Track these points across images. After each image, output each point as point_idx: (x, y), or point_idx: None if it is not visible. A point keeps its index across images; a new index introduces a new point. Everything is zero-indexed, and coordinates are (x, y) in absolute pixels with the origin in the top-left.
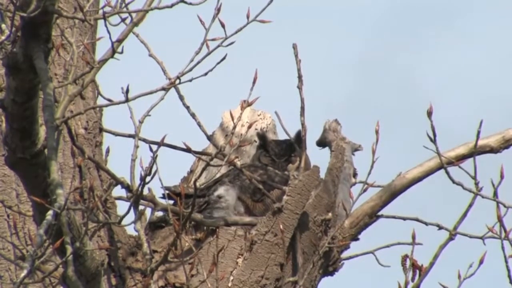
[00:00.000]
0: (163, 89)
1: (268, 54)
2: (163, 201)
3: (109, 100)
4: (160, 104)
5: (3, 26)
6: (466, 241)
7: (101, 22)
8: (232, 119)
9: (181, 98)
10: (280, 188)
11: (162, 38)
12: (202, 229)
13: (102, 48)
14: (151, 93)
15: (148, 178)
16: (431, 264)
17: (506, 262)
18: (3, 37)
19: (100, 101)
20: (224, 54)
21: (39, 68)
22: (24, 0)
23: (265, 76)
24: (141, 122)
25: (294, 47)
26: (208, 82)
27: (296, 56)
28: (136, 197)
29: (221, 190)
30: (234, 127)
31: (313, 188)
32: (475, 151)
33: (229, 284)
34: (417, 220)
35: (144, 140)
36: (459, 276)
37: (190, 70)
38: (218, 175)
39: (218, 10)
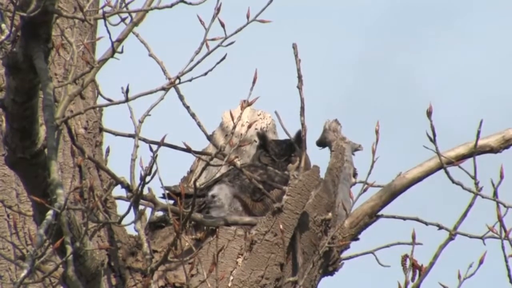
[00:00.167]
0: (163, 89)
1: (268, 54)
2: (163, 201)
3: (109, 100)
4: (160, 104)
5: (3, 26)
6: (466, 241)
7: (101, 22)
8: (232, 119)
9: (181, 98)
10: (280, 188)
11: (162, 38)
12: (202, 229)
13: (102, 48)
14: (151, 93)
15: (148, 178)
16: (431, 264)
17: (506, 262)
18: (3, 37)
19: (100, 101)
20: (224, 54)
21: (39, 68)
22: (24, 0)
23: (265, 76)
24: (141, 122)
25: (294, 47)
26: (208, 82)
27: (296, 56)
28: (136, 197)
29: (215, 190)
30: (234, 127)
31: (313, 188)
32: (475, 151)
33: (229, 284)
34: (417, 220)
35: (144, 140)
36: (459, 276)
37: (190, 70)
38: (218, 175)
39: (218, 10)
